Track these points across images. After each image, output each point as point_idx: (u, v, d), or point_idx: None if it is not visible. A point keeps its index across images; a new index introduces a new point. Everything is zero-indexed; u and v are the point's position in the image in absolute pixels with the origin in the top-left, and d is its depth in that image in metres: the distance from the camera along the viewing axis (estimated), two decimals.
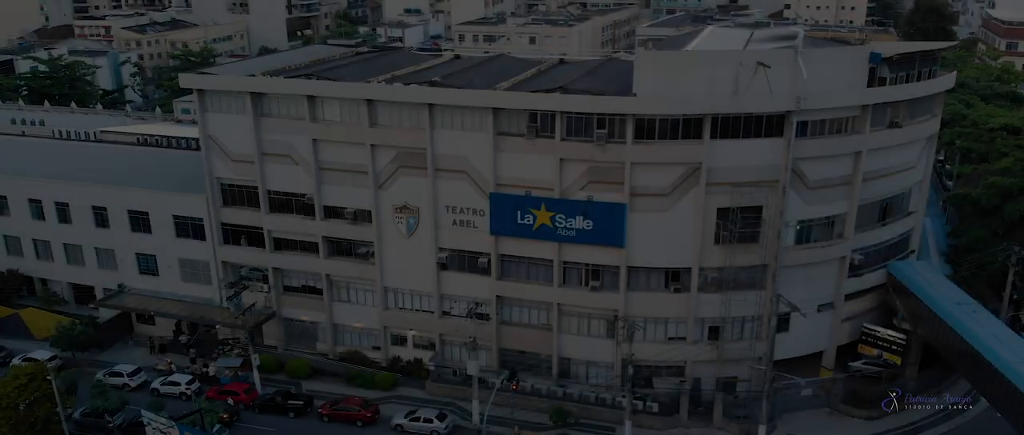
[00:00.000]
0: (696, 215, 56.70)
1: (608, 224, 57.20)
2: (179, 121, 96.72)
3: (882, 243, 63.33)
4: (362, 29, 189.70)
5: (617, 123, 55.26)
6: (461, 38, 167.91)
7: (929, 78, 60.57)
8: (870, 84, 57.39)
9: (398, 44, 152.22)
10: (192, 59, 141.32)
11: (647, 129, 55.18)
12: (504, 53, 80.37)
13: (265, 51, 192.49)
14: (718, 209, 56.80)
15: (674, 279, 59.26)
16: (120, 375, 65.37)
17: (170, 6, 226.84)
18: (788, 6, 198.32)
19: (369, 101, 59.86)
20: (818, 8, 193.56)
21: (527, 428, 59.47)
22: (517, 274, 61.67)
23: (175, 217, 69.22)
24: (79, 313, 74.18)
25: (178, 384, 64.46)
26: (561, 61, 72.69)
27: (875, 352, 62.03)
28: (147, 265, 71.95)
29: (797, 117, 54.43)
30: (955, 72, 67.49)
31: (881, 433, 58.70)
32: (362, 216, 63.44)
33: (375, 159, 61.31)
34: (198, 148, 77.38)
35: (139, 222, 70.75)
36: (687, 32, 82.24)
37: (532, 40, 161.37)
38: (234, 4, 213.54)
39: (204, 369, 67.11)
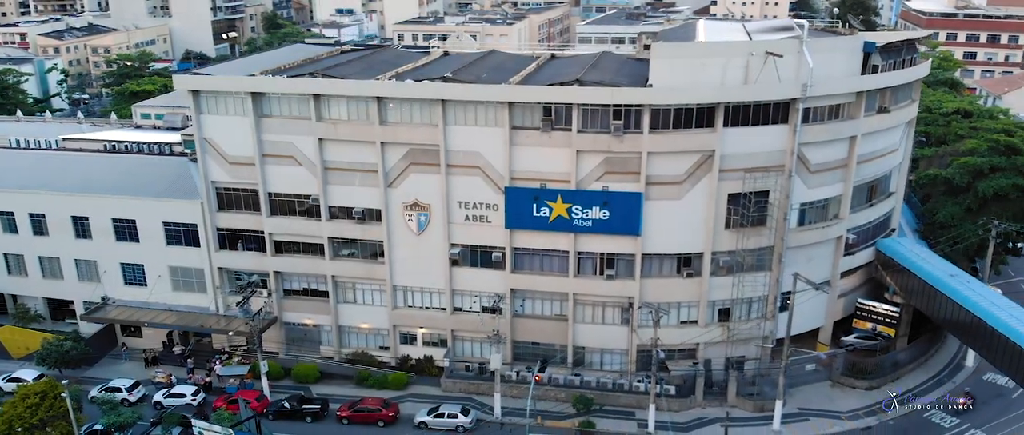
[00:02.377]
0: (708, 201, 58.56)
1: (625, 213, 58.44)
2: (139, 126, 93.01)
3: (870, 223, 66.74)
4: (285, 30, 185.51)
5: (633, 114, 56.55)
6: (400, 37, 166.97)
7: (911, 65, 64.19)
8: (863, 71, 60.46)
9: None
10: (129, 64, 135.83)
11: (662, 119, 56.68)
12: (495, 50, 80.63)
13: (191, 55, 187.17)
14: (729, 195, 58.81)
15: (686, 264, 61.00)
16: (119, 390, 62.78)
17: (84, 11, 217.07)
18: (714, 2, 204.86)
19: (379, 99, 59.36)
20: (744, 4, 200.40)
21: (549, 418, 60.17)
22: (531, 267, 62.26)
23: (165, 224, 66.86)
24: (57, 329, 70.81)
25: (183, 395, 62.39)
26: (553, 56, 73.60)
27: (869, 326, 65.26)
28: (133, 275, 69.19)
29: (802, 104, 56.92)
30: (929, 60, 71.57)
31: (881, 401, 61.83)
32: (371, 215, 62.81)
33: (385, 157, 60.83)
34: (175, 153, 75.52)
35: (125, 231, 68.01)
36: (680, 25, 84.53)
37: (474, 37, 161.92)
38: (155, 7, 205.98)
39: (207, 379, 65.14)
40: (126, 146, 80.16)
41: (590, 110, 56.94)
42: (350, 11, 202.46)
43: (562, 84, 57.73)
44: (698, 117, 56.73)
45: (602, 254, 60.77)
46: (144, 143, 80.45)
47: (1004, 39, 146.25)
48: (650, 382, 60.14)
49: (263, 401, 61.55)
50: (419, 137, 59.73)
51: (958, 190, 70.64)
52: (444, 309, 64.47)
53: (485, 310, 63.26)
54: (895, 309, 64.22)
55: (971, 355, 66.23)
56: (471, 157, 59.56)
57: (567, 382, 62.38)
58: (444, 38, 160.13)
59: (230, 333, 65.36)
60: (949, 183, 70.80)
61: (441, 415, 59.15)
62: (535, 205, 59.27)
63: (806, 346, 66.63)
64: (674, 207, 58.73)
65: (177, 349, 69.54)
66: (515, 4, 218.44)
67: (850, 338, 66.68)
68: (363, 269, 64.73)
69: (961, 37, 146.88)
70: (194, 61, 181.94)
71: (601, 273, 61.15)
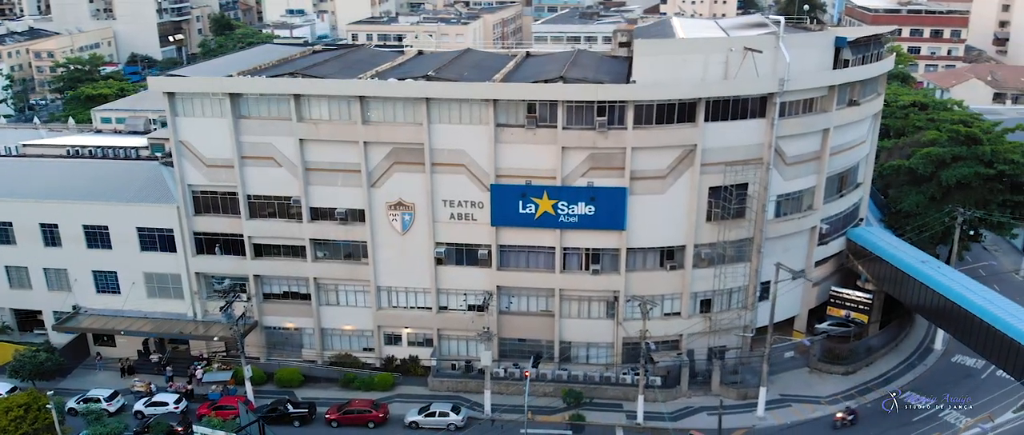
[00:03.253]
0: (690, 195, 59.67)
1: (610, 208, 59.22)
2: (99, 131, 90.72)
3: (841, 213, 68.76)
4: (241, 31, 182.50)
5: (617, 110, 57.35)
6: (354, 37, 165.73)
7: (878, 60, 66.30)
8: (835, 66, 62.27)
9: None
10: (80, 68, 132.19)
11: (645, 114, 57.58)
12: (471, 48, 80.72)
13: (136, 59, 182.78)
14: (710, 188, 60.02)
15: (669, 257, 62.04)
16: (97, 401, 61.23)
17: (24, 15, 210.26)
18: (664, 1, 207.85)
19: (362, 98, 59.07)
20: (693, 2, 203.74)
21: (539, 413, 60.61)
22: (517, 263, 62.62)
23: (140, 229, 65.44)
24: (26, 341, 68.75)
25: (165, 404, 61.19)
26: (528, 55, 74.06)
27: (843, 313, 67.24)
28: (106, 283, 67.52)
29: (779, 98, 58.41)
30: (894, 54, 73.99)
31: (858, 385, 63.96)
32: (354, 216, 62.45)
33: (368, 157, 60.54)
34: (143, 157, 74.01)
35: (96, 238, 66.33)
36: (656, 23, 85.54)
37: (430, 36, 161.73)
38: (98, 10, 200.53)
39: (188, 386, 63.98)
40: (90, 151, 78.39)
41: (575, 107, 57.56)
42: (301, 11, 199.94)
43: (547, 81, 58.22)
44: (680, 112, 57.78)
45: (587, 249, 61.45)
46: (110, 148, 78.79)
47: (946, 34, 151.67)
48: (637, 374, 61.17)
49: (248, 407, 60.66)
50: (403, 136, 59.60)
51: (921, 180, 73.14)
52: (430, 308, 64.41)
53: (471, 308, 63.40)
54: (868, 296, 66.27)
55: (940, 339, 68.83)
56: (456, 155, 59.65)
57: (555, 377, 62.96)
58: (400, 38, 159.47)
59: (216, 337, 64.17)
60: (913, 173, 73.27)
61: (432, 414, 59.13)
62: (521, 202, 59.66)
63: (782, 334, 68.31)
64: (657, 201, 59.71)
65: (154, 357, 68.17)
66: (467, 4, 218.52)
67: (824, 325, 68.59)
68: (346, 270, 64.30)
69: (905, 33, 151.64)
70: (140, 64, 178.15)
71: (586, 268, 61.84)
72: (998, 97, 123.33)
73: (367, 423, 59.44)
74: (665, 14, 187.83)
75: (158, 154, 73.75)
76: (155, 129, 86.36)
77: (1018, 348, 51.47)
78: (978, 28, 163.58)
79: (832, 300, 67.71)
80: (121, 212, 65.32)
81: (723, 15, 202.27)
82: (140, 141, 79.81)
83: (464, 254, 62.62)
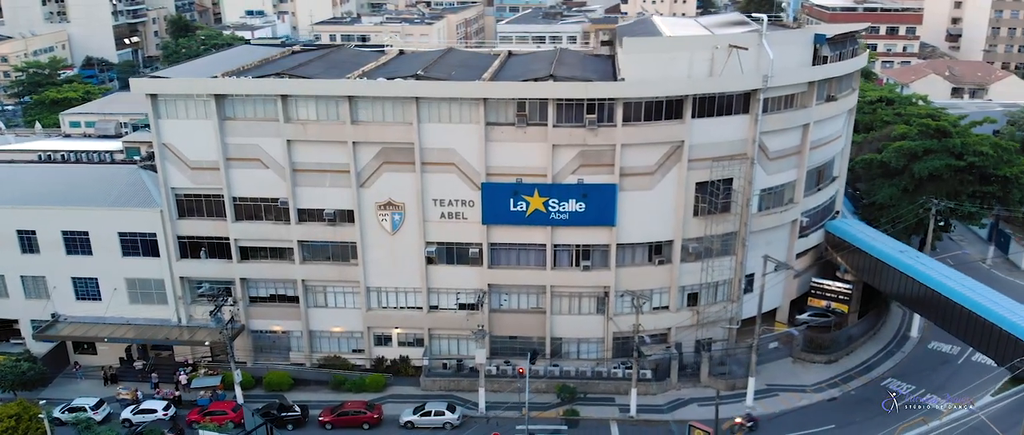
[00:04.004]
0: (678, 190, 60.59)
1: (601, 205, 59.85)
2: (68, 136, 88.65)
3: (819, 206, 70.43)
4: (205, 33, 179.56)
5: (606, 107, 58.02)
6: (317, 38, 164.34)
7: (854, 56, 68.07)
8: (814, 62, 63.77)
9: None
10: (40, 72, 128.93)
11: (634, 112, 58.34)
12: (454, 48, 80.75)
13: (92, 62, 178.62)
14: (697, 183, 61.02)
15: (657, 252, 62.92)
16: (82, 410, 59.99)
17: None
18: (625, 0, 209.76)
19: (350, 98, 58.85)
20: (653, 2, 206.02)
21: (533, 409, 60.92)
22: (508, 261, 62.90)
23: (121, 234, 64.28)
24: (3, 351, 66.98)
25: (154, 411, 60.22)
26: (511, 54, 74.42)
27: (824, 304, 68.85)
28: (86, 290, 66.15)
29: (763, 94, 59.63)
30: (867, 51, 75.95)
31: (840, 373, 65.60)
32: (342, 216, 62.16)
33: (357, 157, 60.32)
34: (118, 161, 72.85)
35: (76, 244, 64.94)
36: (636, 21, 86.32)
37: (395, 36, 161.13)
38: (52, 13, 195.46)
39: (176, 392, 63.04)
40: (62, 156, 76.78)
41: (564, 105, 58.06)
42: (261, 12, 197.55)
43: (537, 80, 58.65)
44: (668, 109, 58.64)
45: (578, 246, 62.01)
46: (83, 152, 77.30)
47: (902, 31, 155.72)
48: (628, 368, 61.96)
49: (239, 411, 60.08)
50: (392, 136, 59.50)
51: (894, 173, 75.19)
52: (420, 308, 64.36)
53: (462, 307, 63.57)
54: (848, 287, 67.96)
55: (915, 326, 70.90)
56: (446, 154, 59.74)
57: (547, 373, 63.39)
58: (364, 38, 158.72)
59: (207, 342, 63.29)
60: (885, 166, 75.30)
61: (428, 413, 59.13)
62: (512, 200, 59.97)
63: (765, 326, 69.48)
64: (646, 197, 60.52)
65: (138, 364, 66.98)
66: (429, 4, 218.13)
67: (804, 316, 70.13)
68: (335, 271, 63.94)
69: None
70: (96, 68, 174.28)
71: (577, 264, 62.39)
72: (956, 92, 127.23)
73: (362, 424, 59.22)
74: (626, 13, 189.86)
75: (136, 158, 72.64)
76: (127, 133, 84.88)
77: (998, 333, 53.32)
78: (931, 25, 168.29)
79: (813, 291, 69.27)
80: (102, 217, 64.07)
81: (683, 14, 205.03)
82: (114, 145, 78.47)
83: (455, 253, 62.73)
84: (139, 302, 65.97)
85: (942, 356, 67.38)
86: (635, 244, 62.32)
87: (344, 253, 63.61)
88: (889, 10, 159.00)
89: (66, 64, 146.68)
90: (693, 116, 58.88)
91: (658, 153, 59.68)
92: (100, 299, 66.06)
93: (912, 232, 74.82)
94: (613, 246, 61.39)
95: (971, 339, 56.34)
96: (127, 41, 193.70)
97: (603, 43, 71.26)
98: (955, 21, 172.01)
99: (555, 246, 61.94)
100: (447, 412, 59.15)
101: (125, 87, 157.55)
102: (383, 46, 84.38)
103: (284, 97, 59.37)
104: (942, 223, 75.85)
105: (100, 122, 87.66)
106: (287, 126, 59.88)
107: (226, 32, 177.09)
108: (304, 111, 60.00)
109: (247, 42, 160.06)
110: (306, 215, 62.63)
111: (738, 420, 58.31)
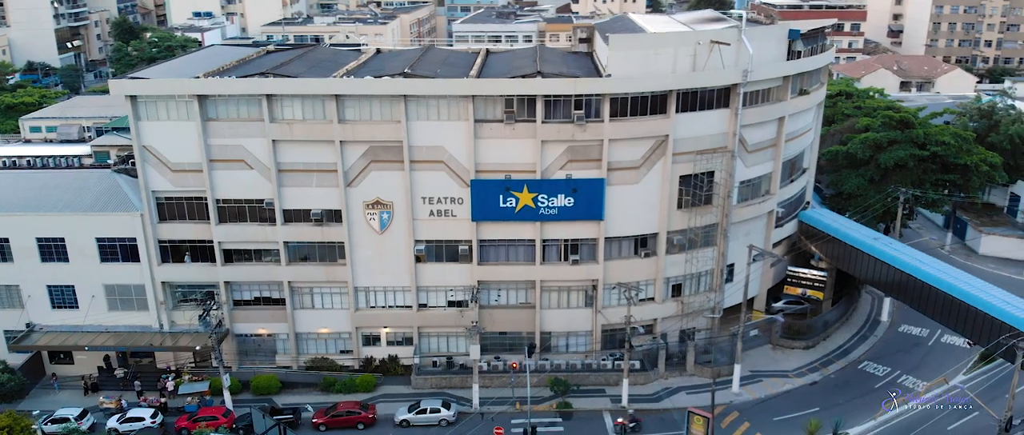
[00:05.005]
0: (663, 183, 61.83)
1: (589, 199, 60.70)
2: (28, 141, 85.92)
3: (792, 197, 72.52)
4: (158, 35, 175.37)
5: (594, 103, 58.89)
6: (269, 38, 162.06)
7: (823, 51, 70.28)
8: (788, 58, 65.66)
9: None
10: None
11: (620, 107, 59.35)
12: (434, 46, 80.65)
13: (34, 66, 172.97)
14: (681, 177, 62.34)
15: (643, 245, 64.04)
16: (66, 420, 58.51)
17: None
18: (576, 0, 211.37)
19: (337, 97, 58.59)
20: (604, 1, 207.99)
21: (526, 403, 61.44)
22: (497, 258, 63.31)
23: (99, 240, 62.80)
24: None
25: (142, 419, 58.99)
26: (489, 52, 74.80)
27: (800, 291, 70.91)
28: (62, 298, 64.47)
29: (743, 89, 61.23)
30: (834, 46, 78.39)
31: (820, 358, 67.77)
32: (330, 216, 61.81)
33: (344, 156, 60.06)
34: (86, 165, 71.19)
35: (52, 250, 63.25)
36: (614, 19, 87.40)
37: (348, 36, 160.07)
38: None
39: (162, 399, 61.87)
40: (28, 162, 74.71)
41: (552, 101, 58.75)
42: (209, 14, 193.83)
43: (524, 76, 59.20)
44: (653, 104, 59.79)
45: (566, 240, 62.75)
46: (50, 157, 75.31)
47: (847, 28, 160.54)
48: (619, 360, 62.96)
49: (229, 416, 59.31)
50: (380, 134, 59.41)
51: (860, 163, 77.81)
52: (409, 307, 64.33)
53: (451, 305, 63.78)
54: (823, 274, 70.13)
55: (885, 311, 73.55)
56: (435, 152, 59.89)
57: (538, 367, 63.99)
58: (317, 39, 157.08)
59: (198, 347, 62.14)
60: (852, 157, 77.86)
61: (423, 411, 59.21)
62: (502, 196, 60.41)
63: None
64: (632, 191, 61.59)
65: (119, 372, 65.47)
66: (379, 4, 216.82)
67: (780, 304, 72.18)
68: (322, 272, 63.50)
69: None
70: (39, 72, 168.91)
71: (566, 259, 63.13)
72: (904, 86, 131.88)
73: (356, 425, 59.02)
74: (577, 13, 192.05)
75: (108, 162, 71.07)
76: (90, 137, 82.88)
77: (973, 313, 55.76)
78: (873, 21, 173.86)
79: (789, 279, 71.26)
80: (79, 222, 62.54)
81: (633, 12, 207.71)
82: (82, 149, 76.60)
83: (444, 250, 62.91)
84: (119, 309, 64.56)
85: (913, 338, 70.04)
86: (622, 237, 63.33)
87: (331, 253, 63.23)
88: (834, 7, 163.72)
89: (13, 69, 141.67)
90: (677, 111, 60.14)
91: (644, 147, 60.78)
92: (78, 307, 64.46)
93: (879, 220, 77.50)
94: (601, 240, 62.31)
95: (947, 320, 58.74)
96: (69, 45, 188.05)
97: (581, 41, 72.13)
98: (896, 17, 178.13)
99: (544, 241, 62.60)
100: (443, 409, 59.31)
101: (73, 91, 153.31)
102: (359, 45, 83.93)
103: (269, 97, 58.81)
104: (907, 211, 78.72)
105: (62, 127, 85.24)
106: (272, 126, 59.31)
107: (176, 33, 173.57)
108: (290, 111, 59.49)
109: (199, 44, 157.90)
110: (292, 216, 62.09)
111: (620, 421, 58.35)
